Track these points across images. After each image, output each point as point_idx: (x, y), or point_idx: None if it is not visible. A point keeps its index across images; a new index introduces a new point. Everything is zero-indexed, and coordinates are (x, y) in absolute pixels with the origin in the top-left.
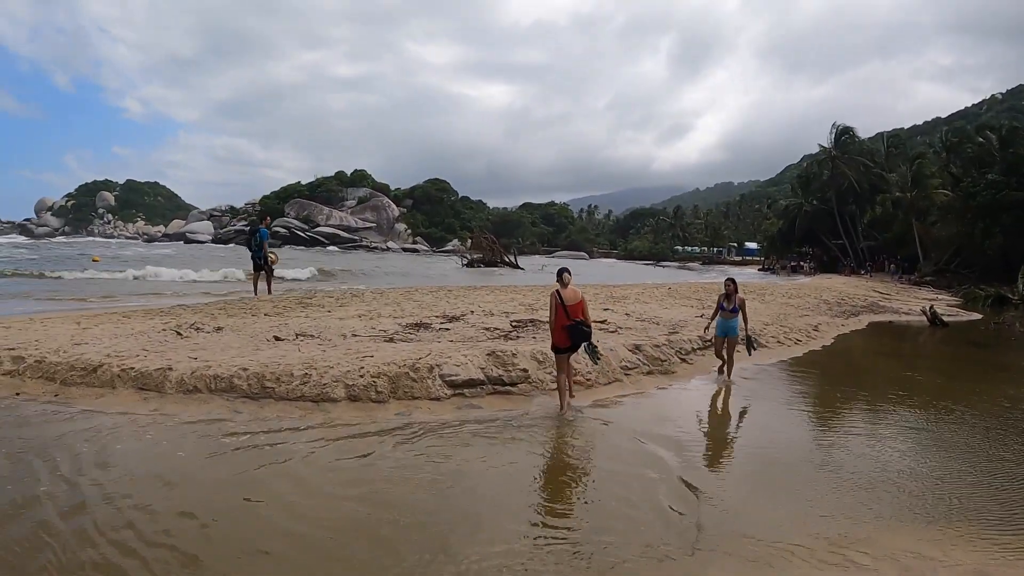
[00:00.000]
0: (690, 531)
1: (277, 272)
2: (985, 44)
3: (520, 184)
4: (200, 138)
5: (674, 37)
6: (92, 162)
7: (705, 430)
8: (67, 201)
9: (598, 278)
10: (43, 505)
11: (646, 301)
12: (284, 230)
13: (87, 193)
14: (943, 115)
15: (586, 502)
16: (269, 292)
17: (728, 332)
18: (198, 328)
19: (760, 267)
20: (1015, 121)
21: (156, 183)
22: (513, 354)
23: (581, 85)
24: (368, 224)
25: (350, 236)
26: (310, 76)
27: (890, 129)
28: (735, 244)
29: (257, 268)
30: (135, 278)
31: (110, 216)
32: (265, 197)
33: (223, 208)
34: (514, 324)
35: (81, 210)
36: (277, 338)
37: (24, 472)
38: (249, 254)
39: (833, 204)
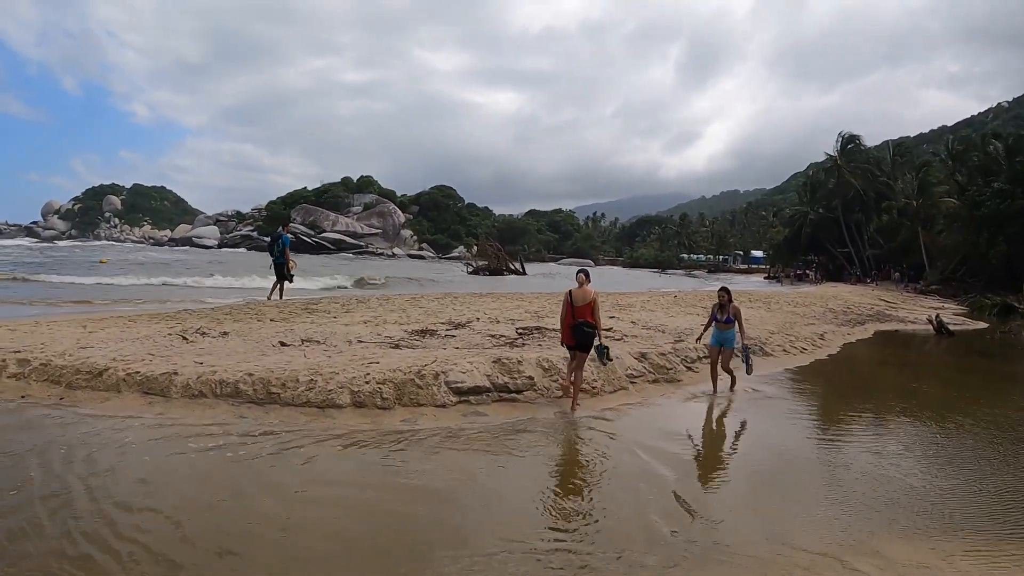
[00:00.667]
0: (678, 547)
1: (325, 281)
2: (993, 51)
3: (527, 191)
4: (207, 143)
5: (683, 45)
6: (99, 166)
7: (706, 442)
8: (74, 205)
9: (604, 285)
10: (47, 508)
11: (652, 309)
12: (290, 236)
13: (94, 197)
14: (949, 123)
15: (579, 515)
16: (280, 297)
17: (724, 343)
18: (204, 333)
19: (766, 275)
20: (1021, 130)
21: (163, 187)
22: (519, 361)
23: (589, 92)
24: (374, 230)
25: (356, 242)
26: (318, 82)
27: (897, 137)
28: (741, 252)
29: (279, 274)
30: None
31: (116, 220)
32: (271, 203)
33: (229, 213)
34: (520, 331)
35: (88, 214)
36: (283, 344)
37: (26, 475)
38: (270, 260)
39: (839, 212)
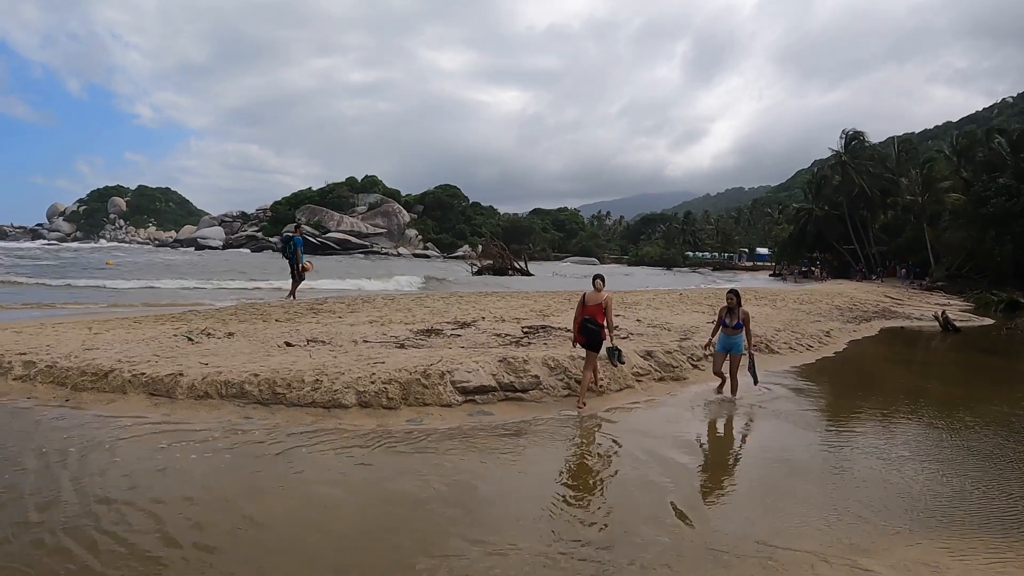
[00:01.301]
0: (685, 547)
1: (396, 281)
2: (1001, 47)
3: (532, 190)
4: (212, 144)
5: (689, 43)
6: (104, 168)
7: (712, 442)
8: (79, 207)
9: (609, 284)
10: (55, 509)
11: (657, 307)
12: (302, 238)
13: (99, 199)
14: (954, 119)
15: (585, 516)
16: (293, 297)
17: (731, 348)
18: (209, 334)
19: (771, 273)
20: None
21: (168, 189)
22: (525, 360)
23: (595, 91)
24: (379, 230)
25: (361, 242)
26: (322, 83)
27: (902, 133)
28: (746, 249)
29: (295, 274)
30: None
31: (122, 222)
32: (276, 203)
33: (234, 214)
34: (525, 330)
35: (93, 216)
36: (288, 344)
37: (33, 477)
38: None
39: (844, 209)
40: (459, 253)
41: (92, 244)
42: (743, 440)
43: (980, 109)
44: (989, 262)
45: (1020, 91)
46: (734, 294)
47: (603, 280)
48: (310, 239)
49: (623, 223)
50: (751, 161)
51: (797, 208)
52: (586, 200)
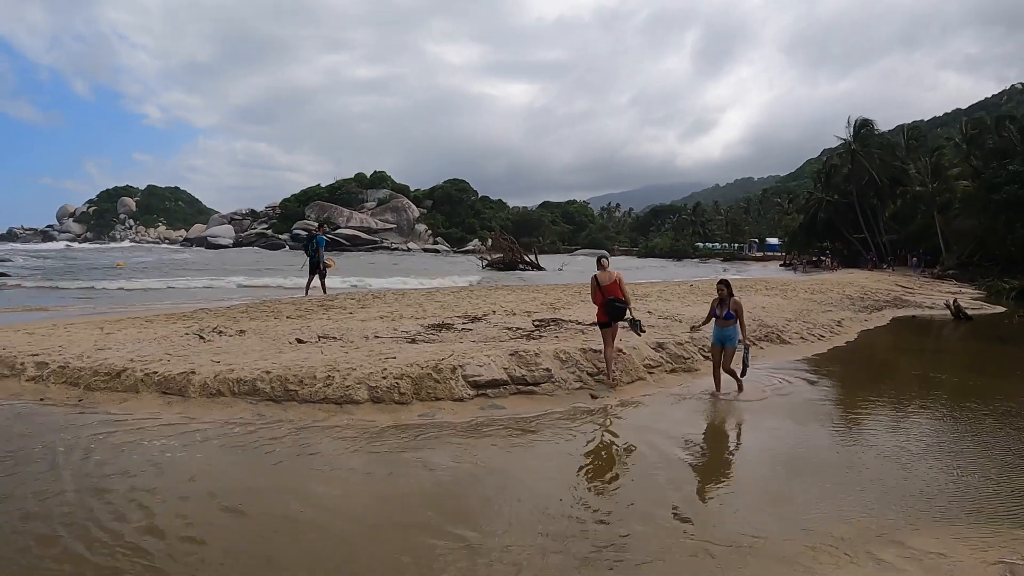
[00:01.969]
0: (698, 539)
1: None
2: (1012, 32)
3: (541, 183)
4: (220, 143)
5: (698, 32)
6: (113, 168)
7: (725, 433)
8: (89, 207)
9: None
10: (67, 508)
11: (668, 298)
12: (305, 233)
13: (108, 199)
14: (964, 106)
15: (598, 509)
16: (324, 291)
17: (725, 341)
18: (220, 332)
19: (782, 263)
20: None
21: (177, 188)
22: (536, 354)
23: (604, 82)
24: (388, 225)
25: (370, 238)
26: (330, 79)
27: (911, 121)
28: (756, 240)
29: (313, 272)
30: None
31: (132, 222)
32: (286, 200)
33: (244, 212)
34: (536, 324)
35: (103, 216)
36: (299, 341)
37: (45, 476)
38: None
39: (854, 198)
40: (469, 247)
41: (116, 245)
42: (756, 432)
43: (990, 96)
44: (1000, 249)
45: None
46: (725, 285)
47: (607, 259)
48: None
49: (632, 215)
50: (761, 151)
51: (807, 197)
52: (595, 192)
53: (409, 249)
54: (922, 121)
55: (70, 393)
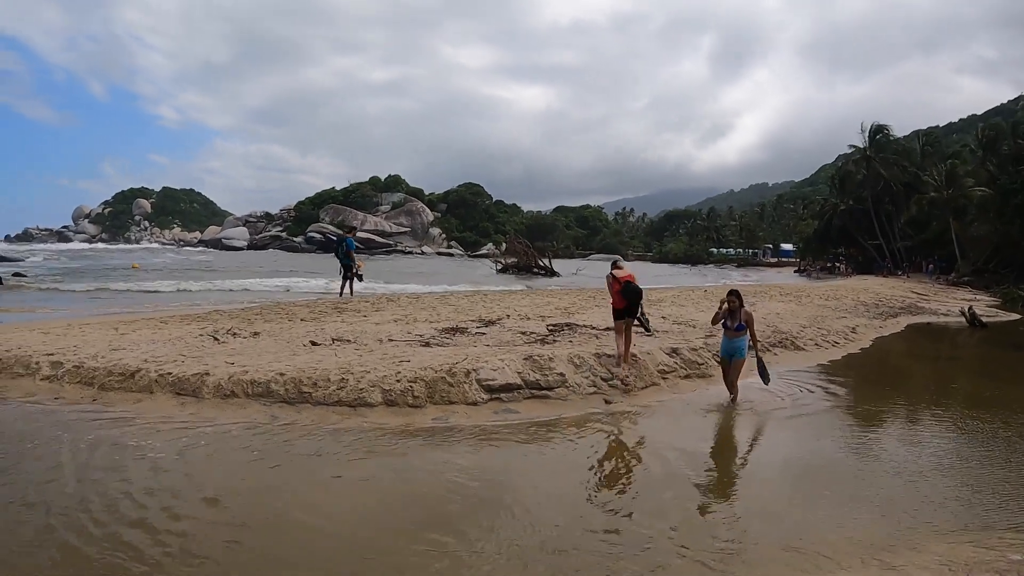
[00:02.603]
0: (709, 547)
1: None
2: None
3: (555, 187)
4: (235, 145)
5: (714, 35)
6: (129, 170)
7: (738, 439)
8: (104, 209)
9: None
10: (84, 508)
11: (682, 304)
12: (319, 235)
13: (124, 201)
14: (979, 112)
15: (607, 514)
16: (351, 294)
17: (734, 353)
18: (235, 333)
19: (796, 269)
20: None
21: (192, 190)
22: (550, 358)
23: (619, 86)
24: (403, 229)
25: (385, 241)
26: (344, 81)
27: (927, 127)
28: (771, 246)
29: (346, 274)
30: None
31: (147, 223)
32: (300, 203)
33: (259, 214)
34: (550, 328)
35: (118, 217)
36: (313, 343)
37: (59, 473)
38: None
39: (869, 204)
40: (483, 251)
41: (136, 246)
42: (767, 439)
43: (1006, 101)
44: (1016, 256)
45: None
46: (735, 295)
47: (623, 262)
48: (334, 239)
49: (647, 220)
50: (777, 156)
51: (821, 203)
52: (610, 197)
53: (423, 253)
54: (938, 127)
55: (84, 393)
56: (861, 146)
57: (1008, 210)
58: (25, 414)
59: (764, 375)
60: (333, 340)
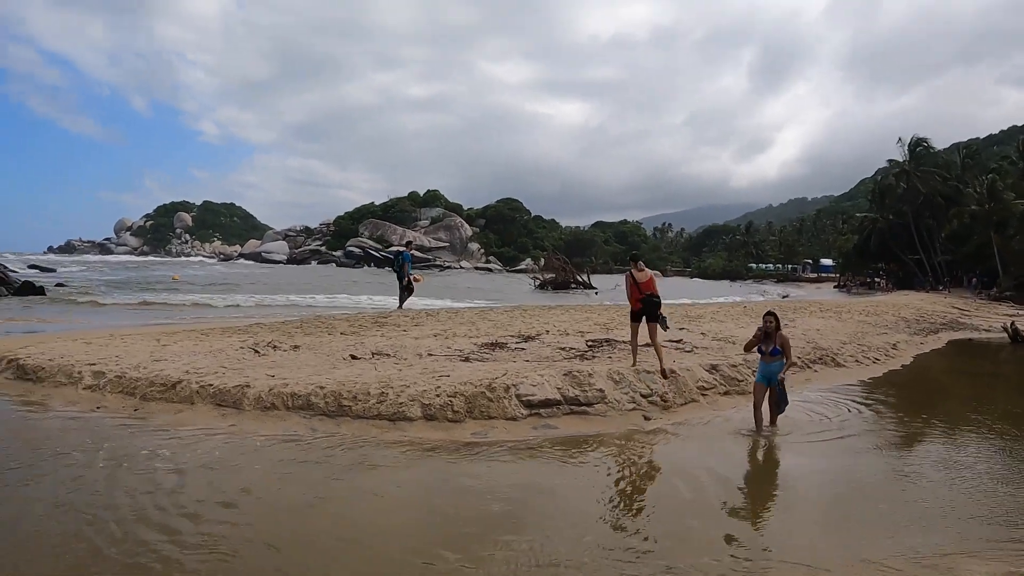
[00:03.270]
0: (743, 567)
1: None
2: None
3: (594, 202)
4: (275, 160)
5: (754, 49)
6: (170, 183)
7: (775, 457)
8: (146, 221)
9: (673, 297)
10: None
11: (721, 320)
12: (358, 250)
13: (165, 214)
14: (1020, 123)
15: (642, 534)
16: (400, 307)
17: (772, 378)
18: (275, 346)
19: (836, 284)
20: None
21: (232, 204)
22: (589, 374)
23: (658, 101)
24: (441, 244)
25: (423, 255)
26: (383, 97)
27: (968, 139)
28: (810, 261)
29: (402, 287)
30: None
31: (187, 236)
32: (340, 217)
33: (298, 228)
34: (590, 344)
35: (159, 230)
36: (353, 356)
37: (100, 482)
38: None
39: (909, 218)
40: (521, 267)
41: (184, 259)
42: (810, 459)
43: None
44: None
45: None
46: (772, 317)
47: (639, 258)
48: (373, 253)
49: (685, 235)
50: (816, 170)
51: (861, 218)
52: (648, 212)
53: (461, 267)
54: (978, 139)
55: (126, 403)
56: (900, 160)
57: None
58: (67, 423)
59: (781, 400)
60: (373, 354)
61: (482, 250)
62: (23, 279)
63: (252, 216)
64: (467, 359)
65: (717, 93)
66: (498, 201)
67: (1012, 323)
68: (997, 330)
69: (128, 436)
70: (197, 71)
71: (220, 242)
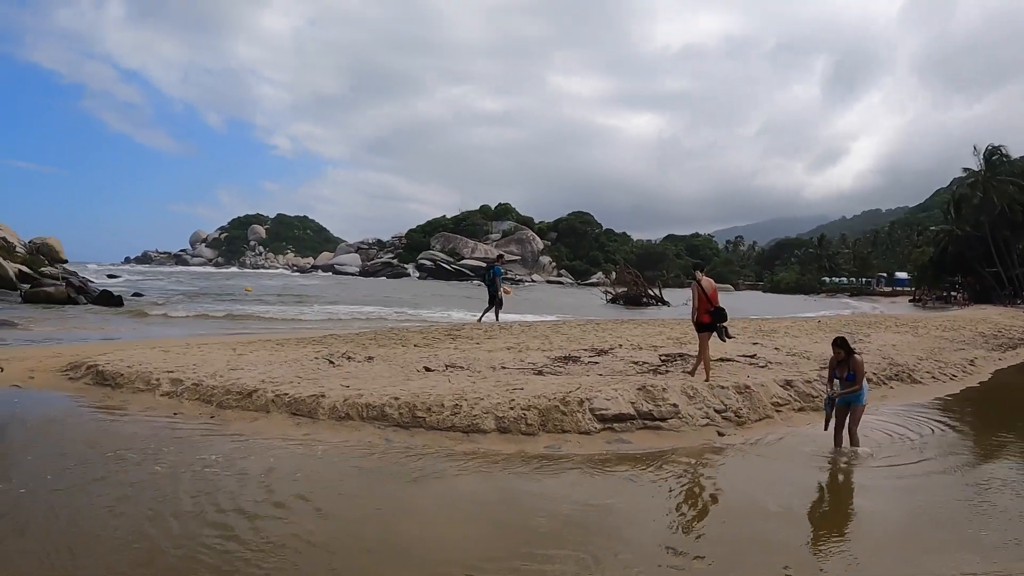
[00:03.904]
0: None
1: None
2: None
3: (665, 215)
4: (347, 174)
5: (827, 57)
6: (243, 197)
7: (852, 478)
8: (220, 234)
9: (747, 311)
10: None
11: (795, 335)
12: (430, 263)
13: (239, 226)
14: None
15: (711, 556)
16: (496, 319)
17: (851, 400)
18: (349, 357)
19: (911, 298)
20: None
21: (305, 217)
22: (663, 389)
23: (730, 112)
24: (513, 257)
25: None
26: (454, 111)
27: None
28: (884, 275)
29: (492, 300)
30: None
31: (261, 248)
32: (411, 230)
33: (370, 241)
34: (663, 358)
35: (233, 242)
36: (427, 369)
37: (176, 488)
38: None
39: (986, 229)
40: (593, 280)
41: (264, 270)
42: (890, 481)
43: None
44: None
45: None
46: (842, 344)
47: (703, 262)
48: (445, 266)
49: (757, 248)
50: (890, 181)
51: (936, 230)
52: (720, 225)
53: (533, 281)
54: None
55: (203, 410)
56: (976, 168)
57: None
58: (143, 428)
59: (828, 418)
60: (446, 366)
61: (553, 263)
62: (102, 288)
63: (325, 229)
64: (540, 372)
65: (789, 103)
66: (569, 214)
67: None
68: None
69: (203, 442)
70: (270, 87)
71: (293, 254)
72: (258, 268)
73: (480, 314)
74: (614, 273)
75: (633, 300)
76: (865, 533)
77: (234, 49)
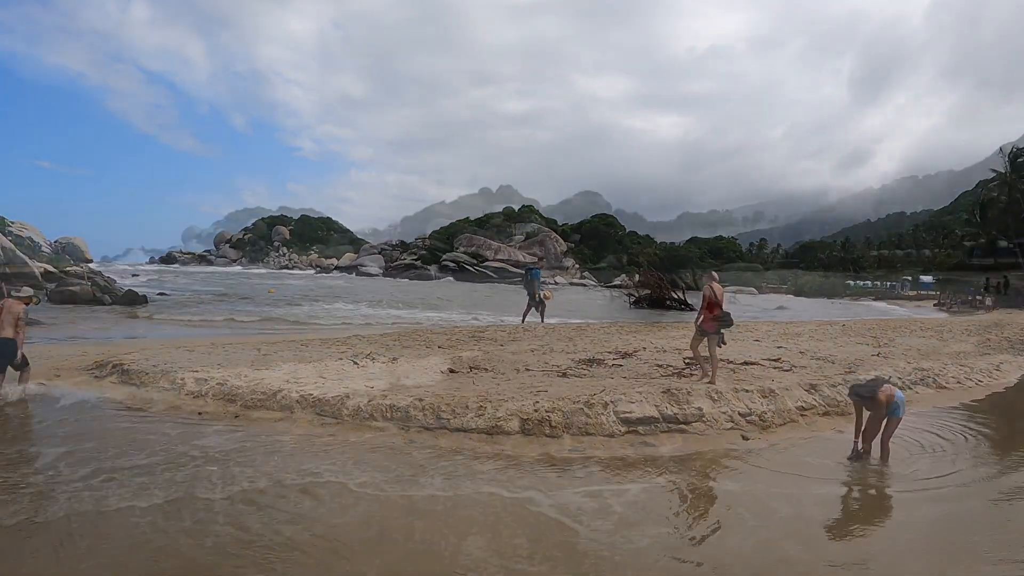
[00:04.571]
0: None
1: None
2: None
3: (689, 218)
4: (371, 175)
5: (854, 59)
6: (268, 197)
7: (881, 492)
8: (244, 235)
9: (769, 314)
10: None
11: (820, 339)
12: (453, 264)
13: (263, 228)
14: None
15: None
16: (542, 321)
17: (894, 412)
18: (373, 358)
19: (935, 302)
20: None
21: (329, 218)
22: (688, 392)
23: (756, 113)
24: (536, 259)
25: (518, 271)
26: (479, 112)
27: None
28: (909, 278)
29: (531, 303)
30: None
31: (285, 249)
32: (435, 232)
33: (393, 243)
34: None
35: (257, 243)
36: (451, 370)
37: (199, 486)
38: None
39: (1012, 232)
40: (616, 282)
41: (287, 271)
42: (911, 483)
43: None
44: None
45: None
46: (855, 396)
47: (715, 271)
48: (468, 268)
49: (781, 251)
50: (916, 184)
51: (962, 233)
52: (745, 228)
53: (556, 283)
54: None
55: (227, 409)
56: (1002, 171)
57: None
58: (167, 426)
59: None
60: (470, 368)
61: (577, 266)
62: (127, 288)
63: (349, 230)
64: (564, 375)
65: (816, 105)
66: (593, 216)
67: None
68: None
69: (226, 441)
70: (295, 89)
71: (317, 255)
72: (282, 268)
73: (522, 316)
74: (637, 276)
75: (657, 303)
76: (889, 545)
77: (259, 51)
